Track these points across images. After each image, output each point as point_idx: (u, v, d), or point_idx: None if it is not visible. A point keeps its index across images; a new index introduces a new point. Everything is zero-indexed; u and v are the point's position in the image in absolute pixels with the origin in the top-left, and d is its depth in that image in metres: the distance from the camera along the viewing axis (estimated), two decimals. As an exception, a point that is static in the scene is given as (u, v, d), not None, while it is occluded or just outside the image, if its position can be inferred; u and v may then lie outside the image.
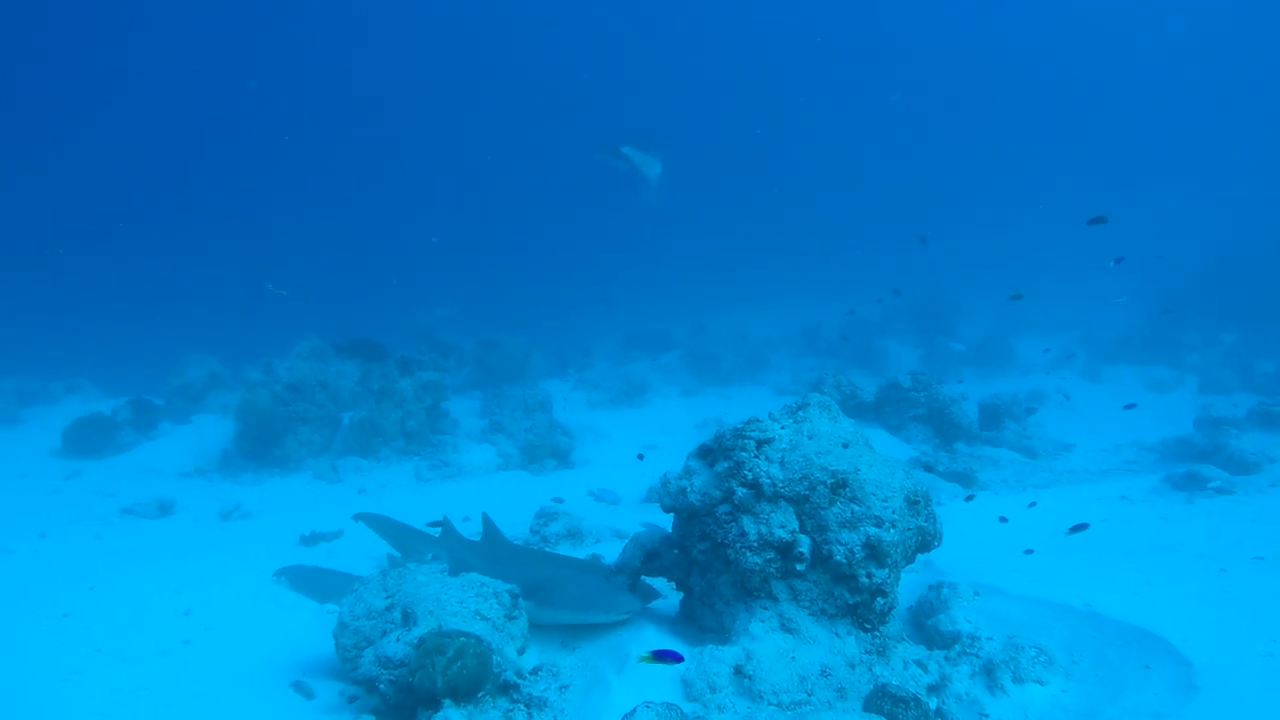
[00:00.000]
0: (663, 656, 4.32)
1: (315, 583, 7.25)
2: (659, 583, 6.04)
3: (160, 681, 5.45)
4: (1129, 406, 12.48)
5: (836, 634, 4.97)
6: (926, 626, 5.40)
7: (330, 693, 5.19)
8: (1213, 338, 19.77)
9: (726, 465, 5.23)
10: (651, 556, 5.80)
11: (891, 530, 4.94)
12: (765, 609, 5.02)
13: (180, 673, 5.61)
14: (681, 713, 4.22)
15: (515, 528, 8.48)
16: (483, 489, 10.84)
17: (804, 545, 4.93)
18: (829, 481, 5.02)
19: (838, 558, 4.90)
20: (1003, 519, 7.98)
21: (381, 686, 4.64)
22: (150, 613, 6.69)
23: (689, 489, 5.31)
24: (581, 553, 7.87)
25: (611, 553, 6.92)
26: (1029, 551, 6.92)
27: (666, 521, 5.87)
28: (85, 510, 10.27)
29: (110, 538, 9.15)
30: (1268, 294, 20.17)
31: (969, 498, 9.02)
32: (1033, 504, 8.54)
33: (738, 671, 4.74)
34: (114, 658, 5.83)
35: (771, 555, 4.99)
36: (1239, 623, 5.19)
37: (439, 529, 7.46)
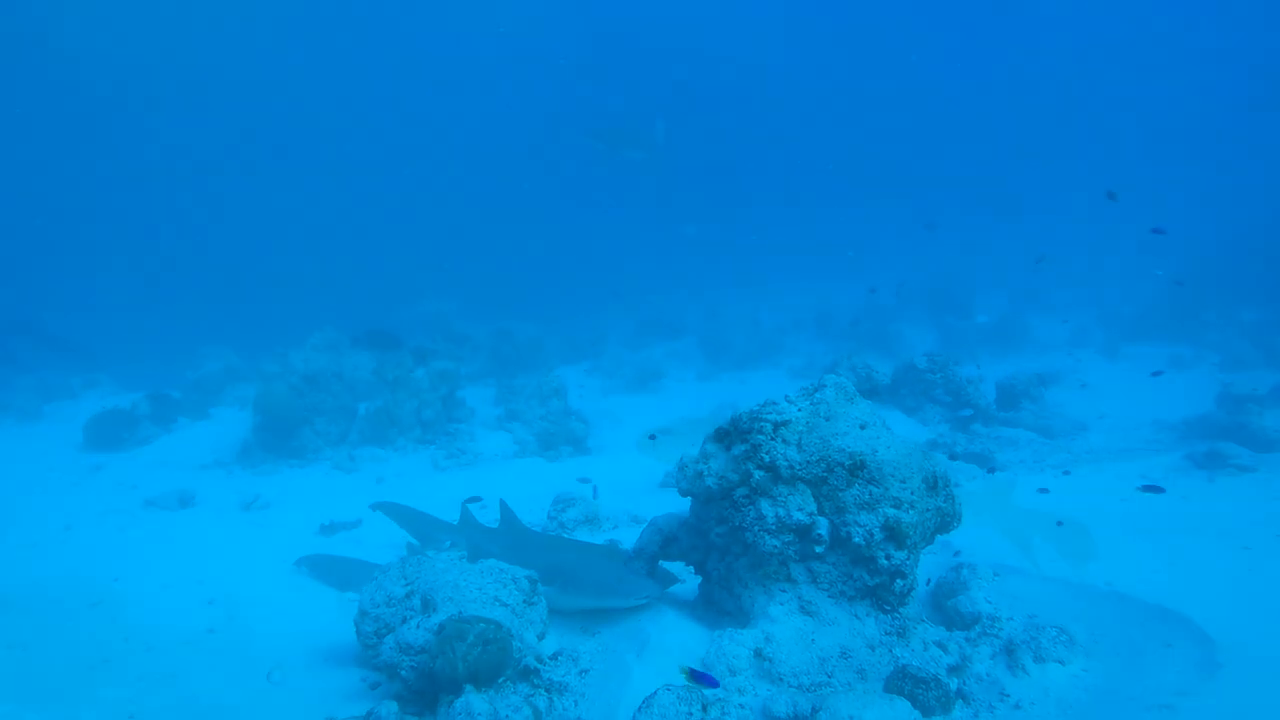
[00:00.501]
0: (699, 678, 4.34)
1: (335, 571, 7.32)
2: (676, 567, 6.06)
3: (186, 669, 5.53)
4: (1156, 374, 12.34)
5: (856, 616, 4.96)
6: (946, 607, 5.38)
7: (353, 679, 5.24)
8: (1232, 315, 19.52)
9: (743, 448, 5.22)
10: (669, 541, 5.82)
11: (910, 511, 4.93)
12: (784, 591, 5.03)
13: (205, 661, 5.69)
14: (702, 696, 4.23)
15: (532, 514, 8.52)
16: (499, 476, 10.88)
17: (822, 527, 4.93)
18: (846, 463, 5.00)
19: (856, 539, 4.89)
20: (1043, 490, 7.97)
21: (403, 673, 4.68)
22: (174, 603, 6.78)
23: (705, 473, 5.30)
24: (599, 538, 7.90)
25: (629, 538, 6.94)
26: (1060, 524, 6.91)
27: (683, 506, 5.87)
28: (109, 503, 10.40)
29: (134, 530, 9.27)
30: None
31: (990, 470, 9.05)
32: (1067, 472, 8.60)
33: (757, 654, 4.75)
34: (140, 647, 5.92)
35: (790, 538, 4.99)
36: (1262, 600, 5.16)
37: (474, 505, 7.55)
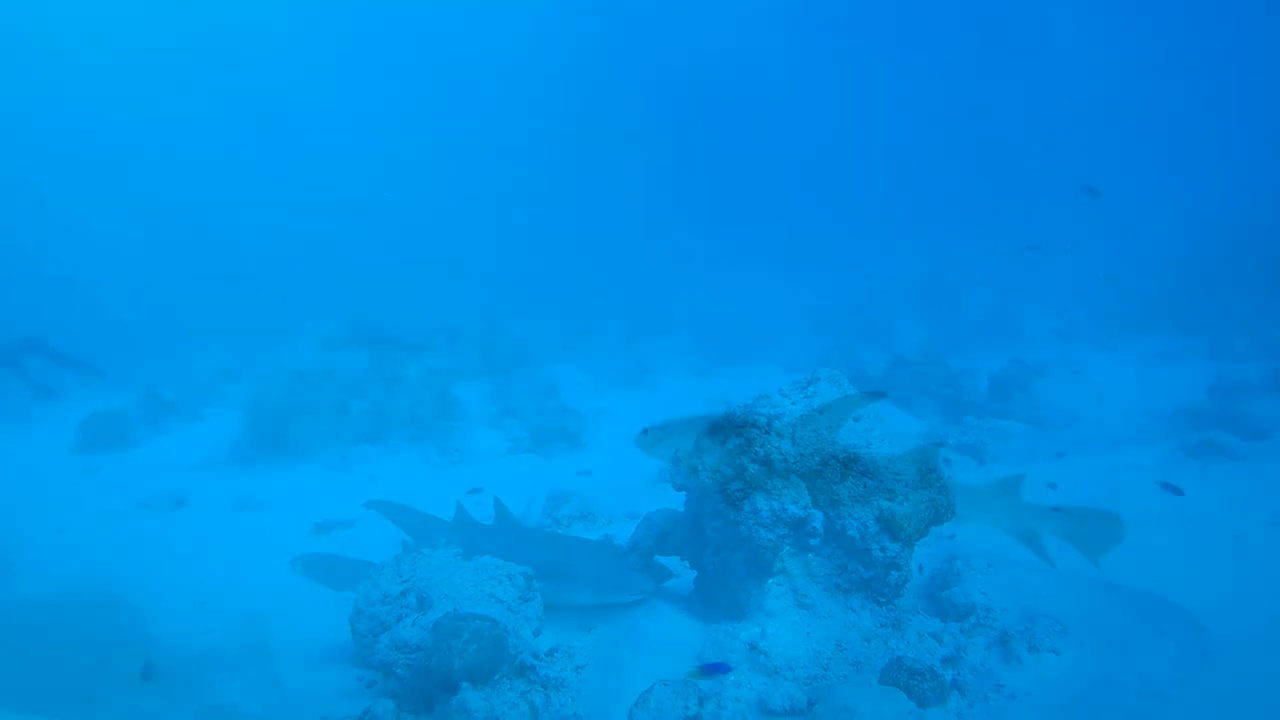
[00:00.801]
0: (709, 670, 4.35)
1: (330, 570, 7.30)
2: (672, 562, 6.06)
3: (180, 670, 5.51)
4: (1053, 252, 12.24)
5: (851, 608, 4.98)
6: (941, 599, 5.40)
7: (348, 678, 5.24)
8: (1225, 305, 19.59)
9: (737, 442, 5.22)
10: (664, 536, 5.82)
11: (904, 503, 4.94)
12: (779, 585, 5.03)
13: (199, 662, 5.67)
14: (698, 690, 4.24)
15: (528, 511, 8.51)
16: (494, 473, 10.86)
17: (817, 520, 4.94)
18: (840, 456, 5.01)
19: (851, 532, 4.90)
20: (1052, 485, 7.95)
21: (399, 671, 4.68)
22: (169, 604, 6.75)
23: (700, 467, 5.30)
24: (594, 534, 7.89)
25: (624, 533, 6.93)
26: (1056, 509, 6.91)
27: (679, 501, 5.88)
28: (102, 505, 10.34)
29: (127, 532, 9.22)
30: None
31: (981, 462, 9.08)
32: (1061, 453, 8.61)
33: (753, 648, 4.76)
34: (135, 649, 5.89)
35: (785, 531, 5.00)
36: (1255, 589, 5.18)
37: (469, 501, 7.54)
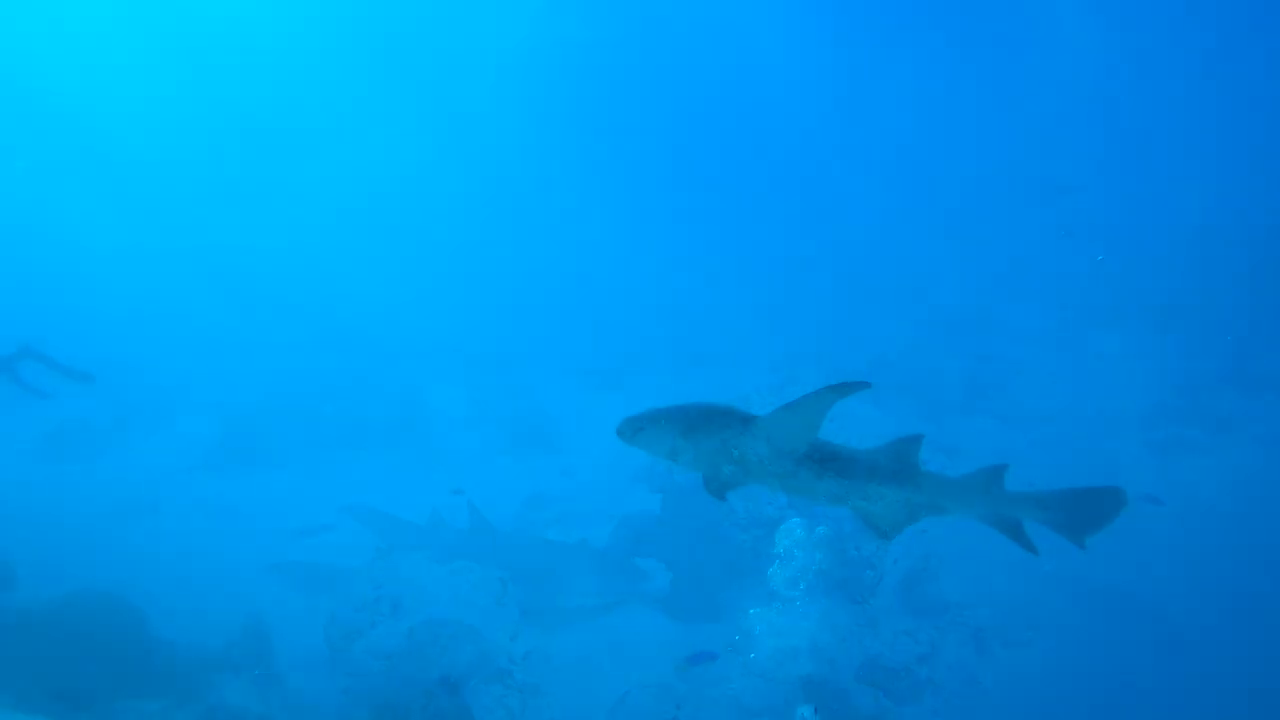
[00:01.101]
0: (697, 659, 4.34)
1: (306, 576, 7.22)
2: (649, 563, 6.05)
3: (163, 673, 5.43)
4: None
5: (827, 607, 4.99)
6: (916, 596, 5.44)
7: (325, 684, 5.18)
8: (1200, 302, 19.82)
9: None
10: (641, 538, 5.82)
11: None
12: (756, 585, 5.04)
13: (183, 666, 5.58)
14: (675, 692, 4.24)
15: (505, 514, 8.46)
16: (471, 476, 10.77)
17: (792, 521, 4.95)
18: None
19: (827, 532, 4.92)
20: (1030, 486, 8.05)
21: (374, 677, 4.64)
22: (150, 609, 6.62)
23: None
24: (571, 535, 7.84)
25: (601, 535, 6.92)
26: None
27: (655, 503, 5.87)
28: (75, 511, 10.15)
29: (102, 539, 9.06)
30: (1257, 261, 20.18)
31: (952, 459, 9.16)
32: (1036, 444, 8.70)
33: (730, 648, 4.76)
34: (117, 653, 5.79)
35: (760, 532, 5.01)
36: (1221, 580, 5.26)
37: (445, 505, 7.45)
